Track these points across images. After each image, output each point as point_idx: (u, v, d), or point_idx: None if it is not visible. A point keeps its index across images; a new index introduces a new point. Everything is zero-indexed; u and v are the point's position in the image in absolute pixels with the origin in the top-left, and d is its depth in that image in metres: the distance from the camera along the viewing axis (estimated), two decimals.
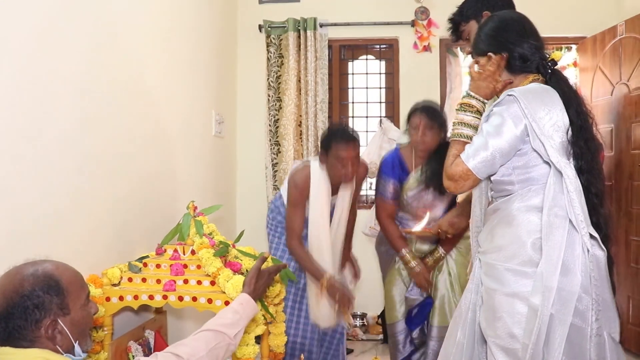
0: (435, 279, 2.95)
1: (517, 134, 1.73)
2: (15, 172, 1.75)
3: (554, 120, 1.74)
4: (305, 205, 2.92)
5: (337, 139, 2.78)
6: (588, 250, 1.68)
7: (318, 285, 2.82)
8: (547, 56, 1.87)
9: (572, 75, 4.56)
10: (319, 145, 2.96)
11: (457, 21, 2.58)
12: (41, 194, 1.87)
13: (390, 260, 3.08)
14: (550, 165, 1.73)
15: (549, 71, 1.83)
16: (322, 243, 2.90)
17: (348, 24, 4.49)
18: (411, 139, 2.91)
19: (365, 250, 3.90)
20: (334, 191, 2.96)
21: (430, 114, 2.84)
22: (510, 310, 1.74)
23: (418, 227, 2.77)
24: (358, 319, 4.32)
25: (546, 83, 1.83)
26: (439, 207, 2.95)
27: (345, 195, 2.99)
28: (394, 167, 3.00)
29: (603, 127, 3.90)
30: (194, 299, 2.10)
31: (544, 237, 1.69)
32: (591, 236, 1.70)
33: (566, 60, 4.49)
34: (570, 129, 1.76)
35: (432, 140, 2.84)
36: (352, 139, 2.80)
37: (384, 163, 3.05)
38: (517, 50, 1.85)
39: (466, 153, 1.78)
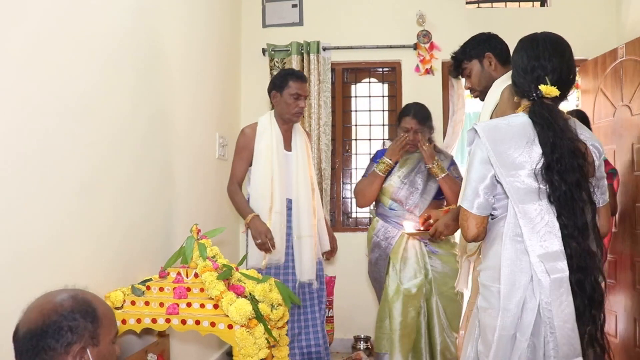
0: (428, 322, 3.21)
1: (492, 169, 1.80)
2: (17, 196, 1.75)
3: (520, 151, 1.78)
4: (249, 155, 3.16)
5: (294, 77, 3.16)
6: (537, 275, 1.72)
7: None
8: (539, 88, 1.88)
9: (573, 97, 4.58)
10: (271, 87, 3.23)
11: (459, 59, 2.73)
12: (43, 217, 1.87)
13: (381, 280, 3.28)
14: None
15: (533, 102, 1.86)
16: (266, 191, 3.07)
17: (351, 48, 4.54)
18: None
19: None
20: (287, 147, 3.21)
21: (421, 120, 3.26)
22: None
23: (412, 229, 3.15)
24: (362, 342, 4.29)
25: (529, 113, 1.85)
26: (422, 206, 3.27)
27: (300, 150, 3.22)
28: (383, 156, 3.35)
29: (605, 149, 3.90)
30: (197, 322, 2.09)
31: (504, 263, 1.76)
32: (542, 260, 1.72)
33: None
34: (543, 160, 1.78)
35: (421, 140, 3.23)
36: (305, 79, 3.23)
37: (376, 154, 3.46)
38: (515, 76, 1.93)
39: (466, 201, 1.86)
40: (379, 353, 3.24)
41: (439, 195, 3.28)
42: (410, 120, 3.25)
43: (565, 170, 1.75)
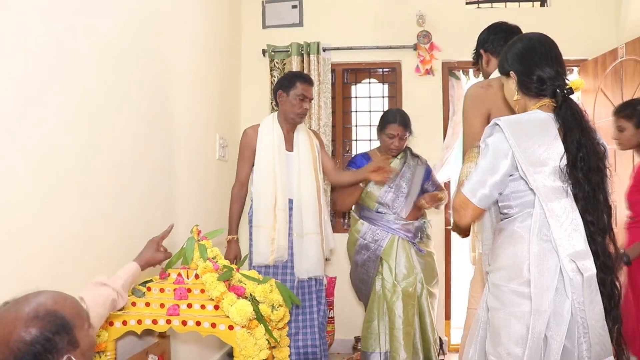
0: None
1: (508, 165, 1.79)
2: (18, 198, 1.75)
3: (544, 148, 1.76)
4: (251, 155, 3.23)
5: (301, 80, 3.24)
6: (568, 274, 1.70)
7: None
8: (567, 83, 1.88)
9: (574, 97, 4.58)
10: (278, 86, 3.29)
11: (474, 61, 2.88)
12: (44, 219, 1.88)
13: (369, 280, 3.39)
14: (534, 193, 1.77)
15: (562, 98, 1.83)
16: (269, 189, 3.12)
17: (351, 48, 4.53)
18: (384, 143, 3.49)
19: None
20: (289, 147, 3.26)
21: (406, 126, 3.45)
22: (508, 330, 1.78)
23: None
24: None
25: (555, 110, 1.84)
26: (407, 209, 3.46)
27: (302, 150, 3.26)
28: (362, 161, 3.52)
29: None
30: (198, 323, 2.09)
31: (533, 262, 1.73)
32: (573, 259, 1.71)
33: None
34: (565, 157, 1.76)
35: (403, 146, 3.49)
36: (312, 82, 3.33)
37: (354, 158, 3.60)
38: (537, 73, 1.87)
39: (468, 188, 1.84)
40: (366, 352, 3.34)
41: (418, 194, 3.50)
42: (397, 128, 3.42)
43: (590, 170, 1.75)
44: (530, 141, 1.76)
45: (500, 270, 1.85)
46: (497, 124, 1.80)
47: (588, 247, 1.73)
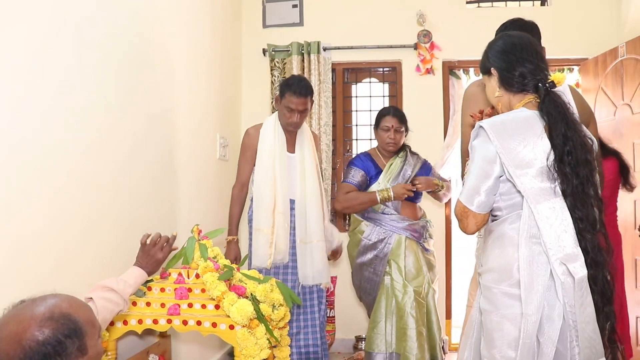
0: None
1: (498, 169, 1.78)
2: (19, 199, 1.76)
3: (530, 148, 1.75)
4: (253, 155, 3.18)
5: (290, 91, 3.07)
6: (559, 278, 1.69)
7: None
8: (549, 77, 1.87)
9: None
10: (277, 90, 3.25)
11: None
12: (44, 217, 1.88)
13: (377, 279, 3.34)
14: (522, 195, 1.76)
15: (544, 92, 1.83)
16: (269, 189, 3.08)
17: (351, 48, 4.53)
18: (380, 139, 3.45)
19: None
20: (290, 149, 3.22)
21: (400, 118, 3.43)
22: (501, 332, 1.77)
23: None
24: (363, 342, 4.28)
25: (539, 105, 1.84)
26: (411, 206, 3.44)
27: (306, 152, 3.23)
28: (364, 161, 3.47)
29: None
30: (199, 323, 2.09)
31: (522, 266, 1.72)
32: (564, 262, 1.69)
33: (569, 82, 4.51)
34: (552, 154, 1.75)
35: (400, 140, 3.44)
36: (303, 94, 3.07)
37: (355, 158, 3.54)
38: (519, 69, 1.87)
39: (464, 196, 1.84)
40: (371, 352, 3.31)
41: (419, 194, 3.48)
42: (390, 119, 3.41)
43: (577, 163, 1.74)
44: (515, 142, 1.75)
45: (490, 272, 1.84)
46: (482, 127, 1.80)
47: (578, 247, 1.72)
